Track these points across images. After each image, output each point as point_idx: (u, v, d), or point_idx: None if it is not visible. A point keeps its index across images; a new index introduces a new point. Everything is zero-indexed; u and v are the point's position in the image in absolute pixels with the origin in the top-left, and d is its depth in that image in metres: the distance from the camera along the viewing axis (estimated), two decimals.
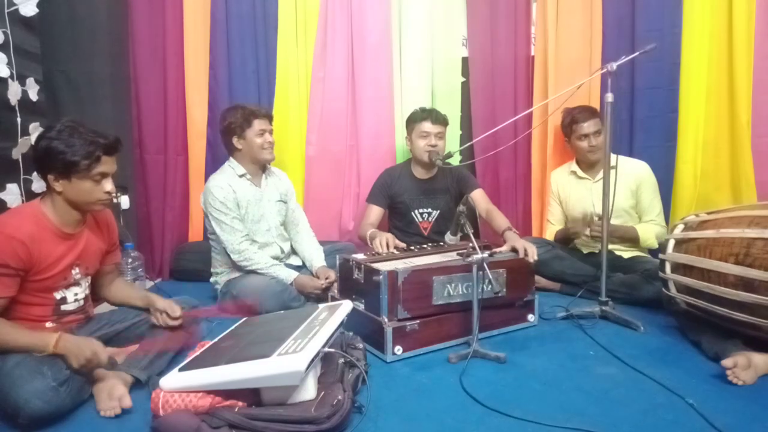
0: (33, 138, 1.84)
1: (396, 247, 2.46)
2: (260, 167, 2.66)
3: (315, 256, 2.71)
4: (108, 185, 1.71)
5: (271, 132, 2.61)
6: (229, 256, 2.54)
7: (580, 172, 2.88)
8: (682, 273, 2.02)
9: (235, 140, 2.56)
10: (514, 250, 2.30)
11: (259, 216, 2.62)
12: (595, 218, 2.57)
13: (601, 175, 2.68)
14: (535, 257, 2.26)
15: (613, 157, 2.79)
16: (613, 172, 2.75)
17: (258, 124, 2.54)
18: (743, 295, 1.78)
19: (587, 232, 2.64)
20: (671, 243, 2.08)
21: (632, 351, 2.03)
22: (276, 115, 3.10)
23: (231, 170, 2.59)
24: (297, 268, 2.70)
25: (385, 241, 2.46)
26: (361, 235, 2.84)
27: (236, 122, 2.54)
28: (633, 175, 2.77)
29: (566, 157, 3.08)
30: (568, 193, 2.94)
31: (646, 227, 2.74)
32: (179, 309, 1.88)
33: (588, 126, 2.77)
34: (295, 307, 2.36)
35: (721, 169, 2.95)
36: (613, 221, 2.64)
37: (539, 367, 1.93)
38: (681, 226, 2.11)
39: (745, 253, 1.79)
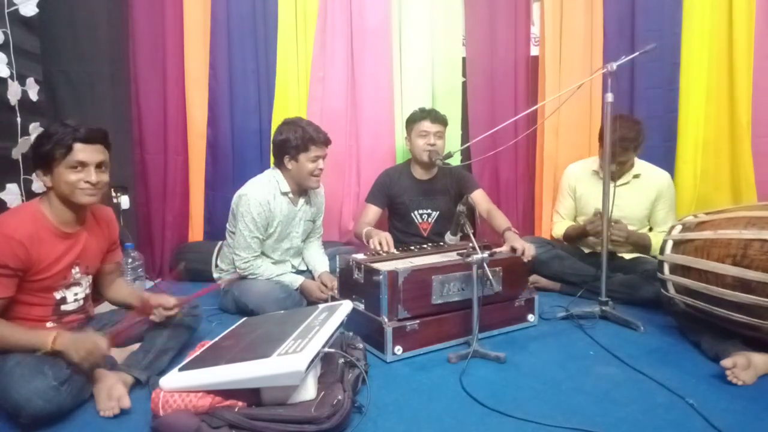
0: (33, 138, 1.85)
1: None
2: (302, 189, 2.58)
3: (319, 262, 2.68)
4: (89, 175, 1.66)
5: (324, 158, 2.49)
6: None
7: (602, 173, 2.84)
8: (680, 274, 2.02)
9: (286, 159, 2.45)
10: (514, 249, 2.30)
11: (286, 235, 2.57)
12: (612, 222, 2.52)
13: (623, 179, 2.68)
14: (530, 258, 2.27)
15: (639, 165, 2.79)
16: (636, 180, 2.74)
17: (314, 151, 2.42)
18: (741, 296, 1.78)
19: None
20: (669, 244, 2.08)
21: (632, 351, 2.03)
22: (275, 115, 3.11)
23: (276, 185, 2.48)
24: (302, 272, 2.70)
25: (384, 240, 2.46)
26: (357, 233, 2.83)
27: (292, 142, 2.41)
28: (655, 184, 2.74)
29: (572, 156, 3.07)
30: (584, 190, 2.87)
31: (661, 237, 2.71)
32: (173, 299, 1.87)
33: (621, 156, 2.63)
34: None
35: (721, 169, 2.96)
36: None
37: (539, 367, 1.93)
38: (679, 227, 2.11)
39: (742, 254, 1.79)
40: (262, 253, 2.54)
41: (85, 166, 1.67)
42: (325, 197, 2.78)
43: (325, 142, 2.47)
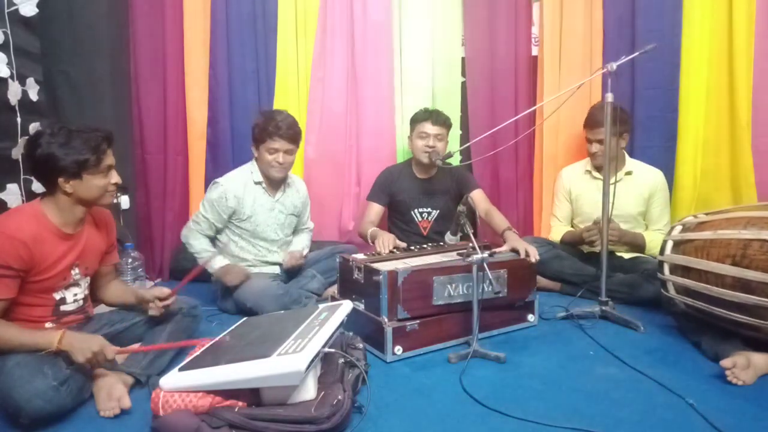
0: (45, 149, 1.85)
1: (397, 248, 2.46)
2: (274, 180, 2.63)
3: (296, 245, 2.76)
4: (115, 177, 1.75)
5: (287, 152, 2.51)
6: (232, 255, 2.58)
7: (594, 172, 2.85)
8: (680, 274, 2.02)
9: (252, 146, 2.58)
10: (514, 250, 2.30)
11: (266, 225, 2.61)
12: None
13: (617, 178, 2.69)
14: (537, 257, 2.26)
15: (630, 163, 2.81)
16: (629, 177, 2.76)
17: (272, 143, 2.47)
18: (741, 296, 1.78)
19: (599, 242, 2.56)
20: (669, 244, 2.08)
21: (632, 351, 2.03)
22: None
23: (250, 175, 2.58)
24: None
25: (387, 241, 2.45)
26: (361, 232, 2.84)
27: (256, 131, 2.52)
28: (648, 182, 2.76)
29: (572, 157, 3.09)
30: (579, 191, 2.90)
31: (654, 236, 2.71)
32: (167, 289, 1.88)
33: (592, 133, 2.74)
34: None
35: (721, 169, 2.95)
36: (622, 227, 2.64)
37: (539, 367, 1.93)
38: (679, 228, 2.11)
39: (742, 255, 1.80)
40: (242, 247, 2.62)
41: (111, 169, 1.74)
42: (323, 197, 2.79)
43: (288, 138, 2.49)
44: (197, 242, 2.56)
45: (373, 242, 2.55)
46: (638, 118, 3.01)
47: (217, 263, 2.52)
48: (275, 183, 2.63)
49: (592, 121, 2.74)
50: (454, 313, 2.11)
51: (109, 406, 1.58)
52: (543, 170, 3.20)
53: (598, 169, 2.80)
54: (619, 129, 2.59)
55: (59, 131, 1.65)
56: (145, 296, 1.88)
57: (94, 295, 1.96)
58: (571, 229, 2.94)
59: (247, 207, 2.54)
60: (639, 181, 2.77)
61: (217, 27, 3.12)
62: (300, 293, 2.52)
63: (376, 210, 2.91)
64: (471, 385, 1.76)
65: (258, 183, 2.58)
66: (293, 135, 2.52)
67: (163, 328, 1.90)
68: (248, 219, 2.57)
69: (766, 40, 2.83)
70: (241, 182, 2.54)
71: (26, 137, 2.22)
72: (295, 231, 2.83)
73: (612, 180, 2.66)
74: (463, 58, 3.24)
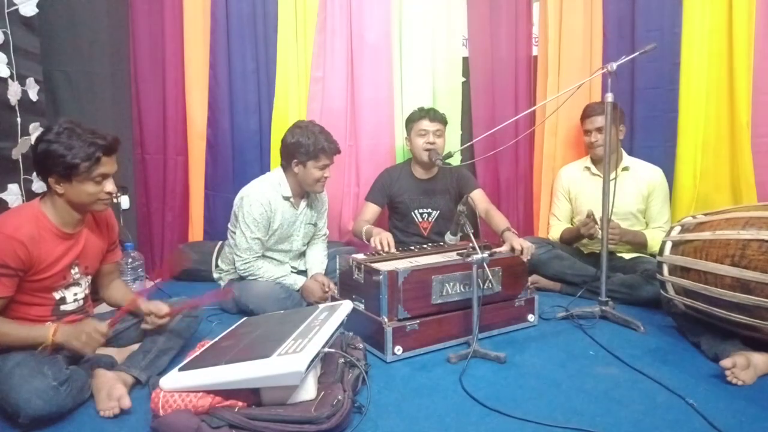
0: (33, 138, 1.83)
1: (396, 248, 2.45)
2: (303, 192, 2.57)
3: (317, 263, 2.67)
4: (109, 186, 1.70)
5: (330, 166, 2.49)
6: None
7: (593, 169, 2.85)
8: (679, 275, 2.02)
9: (294, 163, 2.44)
10: (513, 249, 2.30)
11: (286, 238, 2.57)
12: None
13: (614, 174, 2.69)
14: (529, 257, 2.27)
15: (628, 159, 2.82)
16: (626, 173, 2.77)
17: (323, 160, 2.42)
18: (740, 297, 1.78)
19: (598, 235, 2.55)
20: (668, 245, 2.08)
21: (632, 351, 2.03)
22: (275, 115, 3.12)
23: (278, 188, 2.49)
24: (302, 272, 2.69)
25: (386, 239, 2.45)
26: (355, 231, 2.83)
27: (304, 148, 2.38)
28: (646, 180, 2.77)
29: (570, 157, 3.09)
30: (579, 189, 2.90)
31: (655, 234, 2.71)
32: (166, 307, 1.84)
33: (589, 122, 2.76)
34: None
35: (721, 169, 2.95)
36: (621, 224, 2.64)
37: (539, 367, 1.93)
38: (678, 228, 2.11)
39: (741, 255, 1.80)
40: (263, 255, 2.54)
41: (105, 178, 1.69)
42: (327, 200, 2.77)
43: (335, 152, 2.48)
44: (265, 269, 2.47)
45: (368, 240, 2.54)
46: (638, 118, 3.02)
47: (298, 282, 2.51)
48: (302, 195, 2.57)
49: (588, 112, 2.78)
50: (454, 313, 2.11)
51: (109, 406, 1.58)
52: (542, 170, 3.20)
53: (597, 162, 2.81)
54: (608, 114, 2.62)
55: (64, 130, 1.63)
56: (141, 308, 1.84)
57: (95, 294, 1.96)
58: (569, 226, 2.93)
59: (276, 222, 2.49)
60: (637, 178, 2.77)
61: (217, 27, 3.12)
62: (302, 296, 2.52)
63: (372, 210, 2.90)
64: (471, 385, 1.76)
65: (286, 198, 2.50)
66: (338, 149, 2.51)
67: (163, 328, 1.89)
68: (273, 233, 2.51)
69: (766, 40, 2.83)
70: (267, 197, 2.45)
71: (26, 137, 2.22)
72: (313, 240, 2.74)
73: (611, 176, 2.67)
74: (464, 58, 3.23)
